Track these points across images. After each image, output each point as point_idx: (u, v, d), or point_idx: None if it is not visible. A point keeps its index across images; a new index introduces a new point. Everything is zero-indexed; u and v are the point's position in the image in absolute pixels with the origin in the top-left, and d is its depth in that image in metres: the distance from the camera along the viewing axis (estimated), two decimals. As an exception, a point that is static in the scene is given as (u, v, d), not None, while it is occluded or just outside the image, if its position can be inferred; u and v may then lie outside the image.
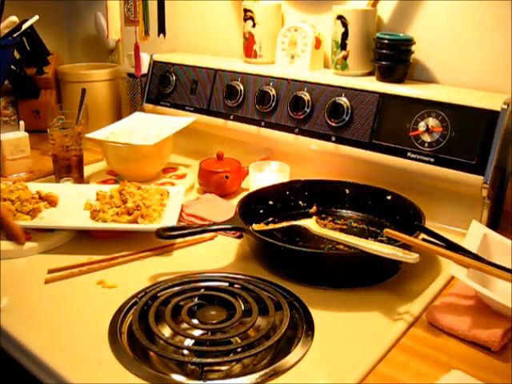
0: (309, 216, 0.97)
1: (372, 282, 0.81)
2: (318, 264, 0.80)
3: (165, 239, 0.86)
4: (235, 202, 0.95)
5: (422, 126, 0.96)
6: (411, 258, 0.73)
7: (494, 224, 0.95)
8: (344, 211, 1.00)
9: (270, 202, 1.00)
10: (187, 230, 0.87)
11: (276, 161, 1.11)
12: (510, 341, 0.68)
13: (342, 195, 1.01)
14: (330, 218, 0.98)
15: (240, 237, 0.95)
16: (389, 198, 0.96)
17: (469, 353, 0.67)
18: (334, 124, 1.06)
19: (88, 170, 1.22)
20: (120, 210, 0.96)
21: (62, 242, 0.93)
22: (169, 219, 0.96)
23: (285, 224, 0.91)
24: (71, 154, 1.15)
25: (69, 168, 1.16)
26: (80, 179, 1.17)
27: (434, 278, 0.83)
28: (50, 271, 0.83)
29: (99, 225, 0.94)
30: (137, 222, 0.94)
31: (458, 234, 0.89)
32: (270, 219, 0.98)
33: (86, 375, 0.63)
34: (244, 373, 0.63)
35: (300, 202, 1.01)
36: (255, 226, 0.91)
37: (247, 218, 0.90)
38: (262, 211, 0.98)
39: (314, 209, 1.00)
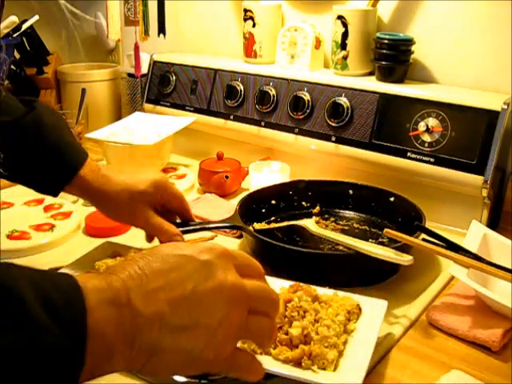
0: (311, 216, 0.97)
1: (372, 282, 0.81)
2: (316, 264, 0.80)
3: None
4: (235, 201, 0.95)
5: (422, 125, 0.96)
6: (405, 259, 0.73)
7: (493, 224, 0.95)
8: (347, 212, 1.00)
9: (273, 202, 1.00)
10: (186, 227, 0.87)
11: (276, 161, 1.11)
12: (510, 341, 0.68)
13: (345, 196, 1.00)
14: (332, 219, 0.98)
15: (240, 237, 0.95)
16: (392, 199, 0.95)
17: (469, 353, 0.67)
18: (334, 124, 1.06)
19: (88, 170, 1.21)
20: (280, 335, 0.63)
21: (62, 242, 0.93)
22: (353, 366, 0.60)
23: (285, 223, 0.91)
24: (71, 154, 1.15)
25: (69, 168, 1.15)
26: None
27: (434, 278, 0.83)
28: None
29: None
30: (300, 365, 0.60)
31: (458, 233, 0.89)
32: (273, 219, 0.98)
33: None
34: (244, 373, 0.63)
35: (303, 203, 1.01)
36: (256, 225, 0.91)
37: (248, 217, 0.90)
38: (264, 210, 0.98)
39: (317, 209, 1.00)
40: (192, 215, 0.84)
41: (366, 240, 0.81)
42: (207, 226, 0.89)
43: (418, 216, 0.88)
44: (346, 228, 0.95)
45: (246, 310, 0.43)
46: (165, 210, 0.81)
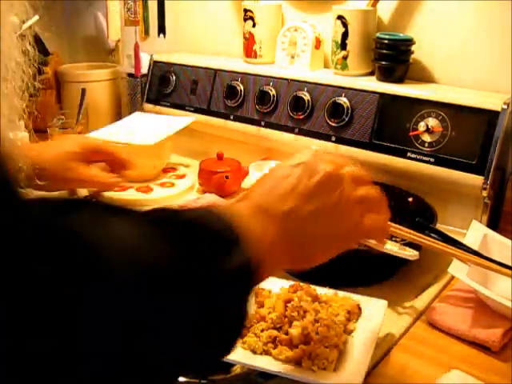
0: None
1: (372, 281, 0.81)
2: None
3: None
4: (235, 201, 0.95)
5: (422, 125, 0.96)
6: (410, 254, 0.73)
7: (493, 224, 0.95)
8: None
9: None
10: None
11: (276, 161, 1.11)
12: (510, 341, 0.68)
13: None
14: None
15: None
16: (410, 199, 0.95)
17: (469, 353, 0.67)
18: (334, 124, 1.06)
19: (88, 170, 1.21)
20: (280, 335, 0.63)
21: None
22: (353, 366, 0.60)
23: None
24: (71, 154, 1.15)
25: (69, 168, 1.16)
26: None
27: (434, 278, 0.83)
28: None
29: (243, 358, 0.62)
30: (300, 365, 0.60)
31: (457, 233, 0.88)
32: None
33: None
34: (245, 372, 0.63)
35: None
36: None
37: None
38: None
39: None
40: (123, 157, 0.96)
41: None
42: None
43: (431, 217, 0.87)
44: None
45: (351, 187, 0.54)
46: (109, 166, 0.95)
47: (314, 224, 0.52)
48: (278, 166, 0.57)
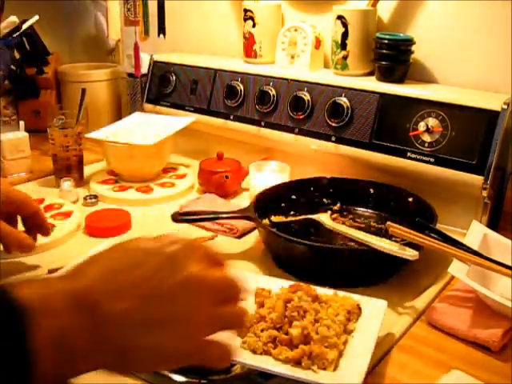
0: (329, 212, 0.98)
1: (372, 281, 0.81)
2: (316, 258, 0.80)
3: (178, 223, 0.89)
4: (235, 201, 0.95)
5: (422, 125, 0.96)
6: (410, 254, 0.73)
7: (493, 224, 0.95)
8: (366, 210, 1.00)
9: (293, 197, 1.01)
10: (200, 215, 0.91)
11: (276, 161, 1.11)
12: (510, 341, 0.68)
13: (366, 194, 1.01)
14: (350, 216, 0.98)
15: (240, 237, 0.95)
16: (410, 199, 0.95)
17: (469, 353, 0.67)
18: (334, 124, 1.06)
19: (88, 170, 1.22)
20: (280, 335, 0.63)
21: (62, 242, 0.93)
22: (353, 366, 0.60)
23: (301, 217, 0.93)
24: (71, 154, 1.15)
25: (69, 168, 1.16)
26: (80, 179, 1.17)
27: (435, 278, 0.83)
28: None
29: (243, 358, 0.61)
30: (300, 364, 0.60)
31: (457, 233, 0.88)
32: (292, 213, 0.98)
33: (85, 375, 0.63)
34: (245, 372, 0.63)
35: (324, 199, 1.02)
36: (274, 218, 0.93)
37: (267, 210, 0.93)
38: (284, 205, 0.99)
39: (337, 206, 1.01)
40: (45, 219, 0.83)
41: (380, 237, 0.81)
42: (221, 215, 0.91)
43: (431, 217, 0.87)
44: (363, 226, 0.95)
45: (213, 301, 0.43)
46: (13, 217, 0.80)
47: (147, 335, 0.40)
48: (136, 241, 0.44)
